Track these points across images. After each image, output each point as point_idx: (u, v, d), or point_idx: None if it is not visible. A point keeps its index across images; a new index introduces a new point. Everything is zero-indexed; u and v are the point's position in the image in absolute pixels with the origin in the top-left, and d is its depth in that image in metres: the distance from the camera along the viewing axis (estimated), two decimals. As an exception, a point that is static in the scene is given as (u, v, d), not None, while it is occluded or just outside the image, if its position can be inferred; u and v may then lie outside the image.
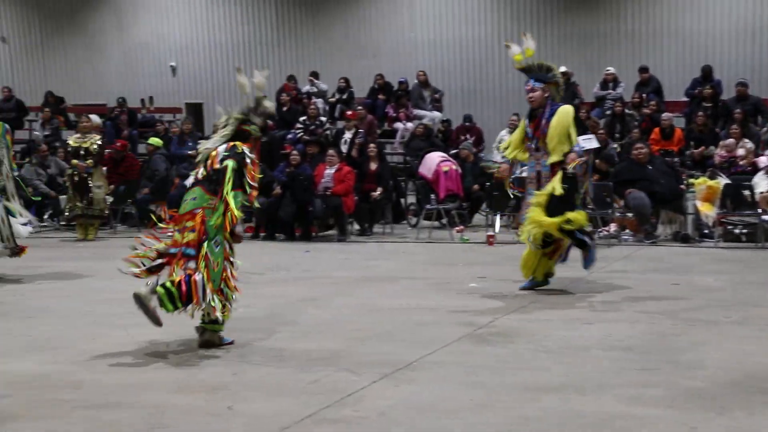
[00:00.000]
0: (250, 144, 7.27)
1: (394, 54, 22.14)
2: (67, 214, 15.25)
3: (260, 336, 7.37)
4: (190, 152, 16.74)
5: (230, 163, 6.91)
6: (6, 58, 25.04)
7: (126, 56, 24.31)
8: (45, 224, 16.82)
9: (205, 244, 6.82)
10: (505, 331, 7.62)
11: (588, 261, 9.63)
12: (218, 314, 6.79)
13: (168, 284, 6.74)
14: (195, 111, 23.71)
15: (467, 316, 8.17)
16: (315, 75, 20.86)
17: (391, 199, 15.94)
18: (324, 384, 5.98)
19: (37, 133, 21.00)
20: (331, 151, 15.14)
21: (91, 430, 5.10)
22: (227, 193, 6.82)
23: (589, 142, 13.03)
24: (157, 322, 6.78)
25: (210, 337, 7.00)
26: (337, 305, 8.87)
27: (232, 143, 7.12)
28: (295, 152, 15.37)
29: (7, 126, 11.35)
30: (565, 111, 9.24)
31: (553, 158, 9.16)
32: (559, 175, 9.10)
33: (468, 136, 18.52)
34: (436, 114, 19.85)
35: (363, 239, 14.79)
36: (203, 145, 7.36)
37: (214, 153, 7.12)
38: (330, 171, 14.69)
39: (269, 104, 7.56)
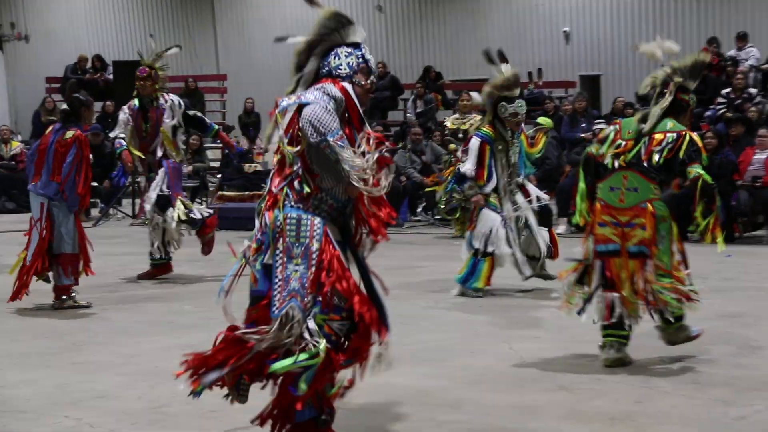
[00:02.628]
0: (688, 118, 7.25)
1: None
2: (443, 206, 15.59)
3: (667, 355, 7.28)
4: (583, 135, 16.79)
5: (702, 172, 7.03)
6: (381, 28, 26.15)
7: (512, 22, 24.74)
8: (419, 218, 17.51)
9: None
10: None
11: None
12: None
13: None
14: (591, 85, 23.71)
15: None
16: (743, 37, 20.19)
17: None
18: (754, 423, 5.81)
19: (410, 114, 21.71)
20: (763, 131, 14.61)
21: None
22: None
23: None
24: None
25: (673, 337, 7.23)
26: (745, 330, 8.54)
27: (682, 131, 7.08)
28: (710, 133, 14.95)
29: None
30: None
31: None
32: None
33: None
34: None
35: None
36: (632, 121, 7.32)
37: (660, 136, 7.08)
38: (761, 156, 14.20)
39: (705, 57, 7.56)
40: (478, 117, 15.67)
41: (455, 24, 25.15)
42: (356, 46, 5.34)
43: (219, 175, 18.66)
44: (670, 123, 7.13)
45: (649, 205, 7.01)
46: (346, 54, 5.31)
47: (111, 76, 23.24)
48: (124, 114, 11.48)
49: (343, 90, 5.17)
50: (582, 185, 7.32)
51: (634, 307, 6.95)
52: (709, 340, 7.56)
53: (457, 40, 25.05)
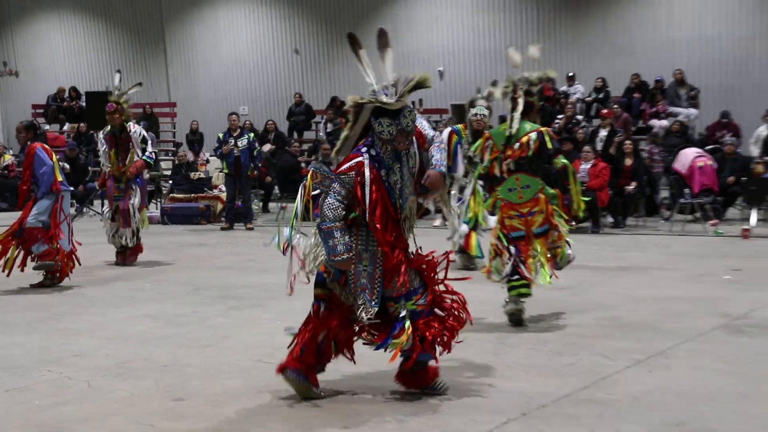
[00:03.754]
0: (536, 115, 7.49)
1: (650, 53, 21.44)
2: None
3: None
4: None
5: (566, 162, 7.57)
6: (298, 68, 26.18)
7: (399, 62, 24.70)
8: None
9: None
10: (761, 322, 7.25)
11: None
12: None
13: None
14: (459, 112, 23.92)
15: (722, 308, 7.83)
16: (572, 77, 20.62)
17: (644, 194, 15.52)
18: (579, 367, 5.92)
19: (321, 134, 21.86)
20: (586, 147, 14.89)
21: (368, 397, 5.27)
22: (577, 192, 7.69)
23: None
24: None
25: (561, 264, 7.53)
26: (593, 294, 8.73)
27: (541, 128, 7.35)
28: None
29: None
30: None
31: None
32: None
33: (725, 132, 17.72)
34: (692, 111, 19.12)
35: (616, 231, 14.47)
36: (499, 132, 7.48)
37: (525, 138, 7.25)
38: (585, 166, 14.47)
39: (552, 74, 7.72)
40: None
41: (355, 63, 25.14)
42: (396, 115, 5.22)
43: (170, 182, 18.41)
44: (528, 125, 7.32)
45: (541, 195, 7.31)
46: (388, 123, 5.20)
47: (84, 104, 22.96)
48: (101, 143, 11.43)
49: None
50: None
51: (534, 268, 7.22)
52: (545, 307, 7.71)
53: (357, 75, 24.74)
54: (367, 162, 5.18)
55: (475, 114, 10.34)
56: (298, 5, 25.74)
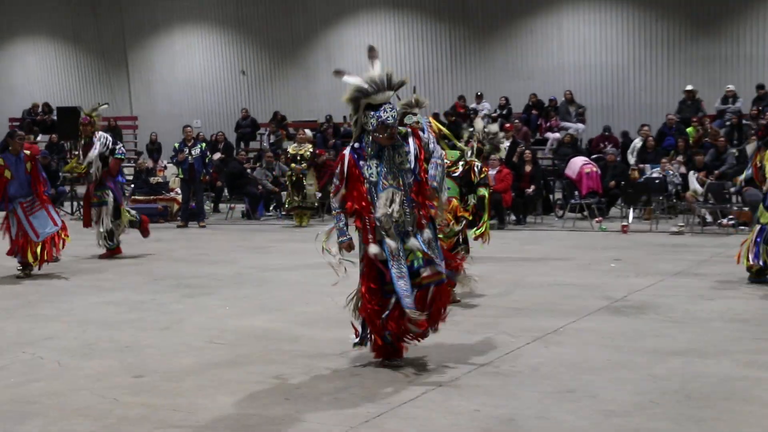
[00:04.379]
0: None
1: (545, 76, 21.69)
2: (287, 206, 15.64)
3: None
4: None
5: (486, 193, 7.93)
6: (244, 86, 25.95)
7: (333, 83, 24.58)
8: (270, 214, 17.39)
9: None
10: (637, 304, 7.40)
11: None
12: None
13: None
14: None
15: (606, 292, 7.97)
16: (480, 96, 20.79)
17: (541, 195, 15.74)
18: (487, 344, 5.96)
19: (265, 144, 21.71)
20: (493, 155, 14.97)
21: (308, 373, 5.25)
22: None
23: None
24: None
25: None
26: (499, 281, 8.79)
27: (472, 161, 7.83)
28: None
29: None
30: None
31: None
32: None
33: (607, 143, 18.04)
34: (580, 126, 19.42)
35: (519, 227, 14.63)
36: (452, 153, 7.78)
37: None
38: (492, 172, 14.57)
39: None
40: (310, 146, 15.70)
41: (295, 82, 25.05)
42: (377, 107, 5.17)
43: (132, 185, 18.05)
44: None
45: (453, 199, 7.43)
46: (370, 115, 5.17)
47: (55, 118, 22.43)
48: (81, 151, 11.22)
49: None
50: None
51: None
52: (459, 294, 7.73)
53: (296, 93, 24.98)
54: (347, 154, 5.21)
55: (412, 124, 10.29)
56: (245, 32, 25.51)
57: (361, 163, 5.18)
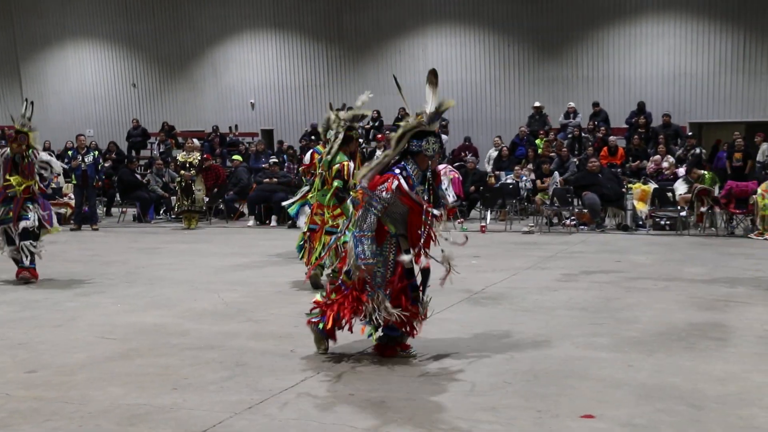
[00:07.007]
0: (354, 146, 7.69)
1: (412, 92, 21.95)
2: (176, 209, 15.33)
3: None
4: (263, 165, 16.77)
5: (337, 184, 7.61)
6: (135, 98, 25.19)
7: (218, 95, 24.31)
8: (161, 217, 16.92)
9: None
10: (493, 296, 7.60)
11: None
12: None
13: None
14: (267, 135, 23.72)
15: (466, 285, 8.15)
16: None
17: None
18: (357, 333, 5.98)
19: (155, 152, 21.15)
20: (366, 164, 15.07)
21: (195, 365, 5.14)
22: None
23: None
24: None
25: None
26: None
27: (343, 163, 7.60)
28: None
29: None
30: None
31: None
32: None
33: (467, 152, 18.48)
34: (444, 137, 19.78)
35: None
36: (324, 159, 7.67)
37: (337, 166, 7.52)
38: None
39: (367, 112, 7.83)
40: (198, 154, 15.38)
41: (183, 95, 24.50)
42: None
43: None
44: (338, 156, 7.61)
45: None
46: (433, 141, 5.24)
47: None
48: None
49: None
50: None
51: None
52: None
53: (184, 105, 24.44)
54: (402, 178, 5.04)
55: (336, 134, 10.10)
56: (136, 47, 24.75)
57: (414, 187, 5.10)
